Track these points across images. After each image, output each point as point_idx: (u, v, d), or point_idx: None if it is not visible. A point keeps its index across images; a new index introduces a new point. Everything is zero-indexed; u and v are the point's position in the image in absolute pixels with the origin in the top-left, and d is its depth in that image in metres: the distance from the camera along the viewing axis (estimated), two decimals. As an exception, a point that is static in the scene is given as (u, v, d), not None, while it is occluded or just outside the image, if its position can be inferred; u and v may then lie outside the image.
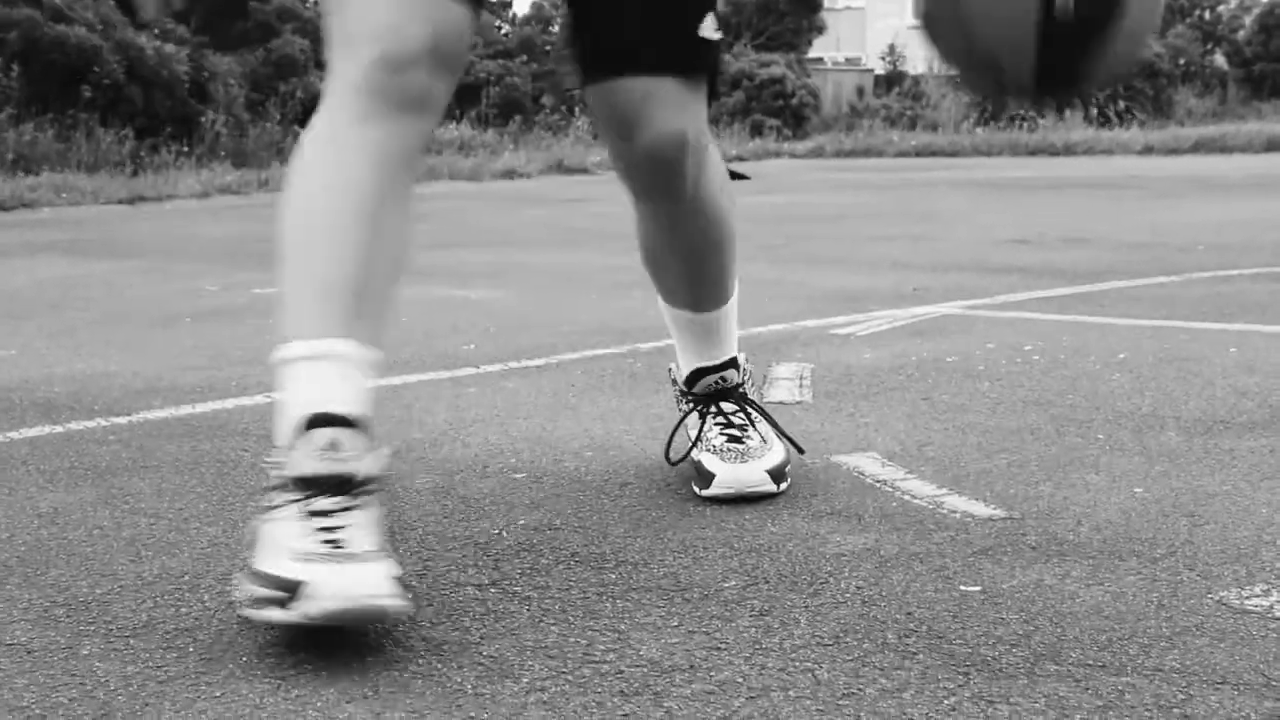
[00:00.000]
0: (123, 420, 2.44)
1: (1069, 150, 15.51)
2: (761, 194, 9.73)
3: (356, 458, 1.44)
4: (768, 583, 1.52)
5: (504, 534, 1.72)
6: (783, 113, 20.68)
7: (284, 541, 1.36)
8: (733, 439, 1.93)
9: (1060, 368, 2.77)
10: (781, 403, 2.48)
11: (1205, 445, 2.10)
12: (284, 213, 1.55)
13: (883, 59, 25.51)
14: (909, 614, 1.42)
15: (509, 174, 13.02)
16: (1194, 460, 2.01)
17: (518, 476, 2.01)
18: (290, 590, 1.31)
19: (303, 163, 1.55)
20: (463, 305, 3.93)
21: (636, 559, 1.61)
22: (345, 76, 1.52)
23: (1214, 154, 14.44)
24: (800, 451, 1.98)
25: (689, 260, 1.92)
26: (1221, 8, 27.55)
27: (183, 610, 1.47)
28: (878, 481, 1.94)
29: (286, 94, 16.79)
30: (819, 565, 1.58)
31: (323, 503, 1.40)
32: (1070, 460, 2.04)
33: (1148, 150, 15.09)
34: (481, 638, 1.38)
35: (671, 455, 2.00)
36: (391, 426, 2.35)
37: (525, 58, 22.14)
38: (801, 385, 2.65)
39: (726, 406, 1.98)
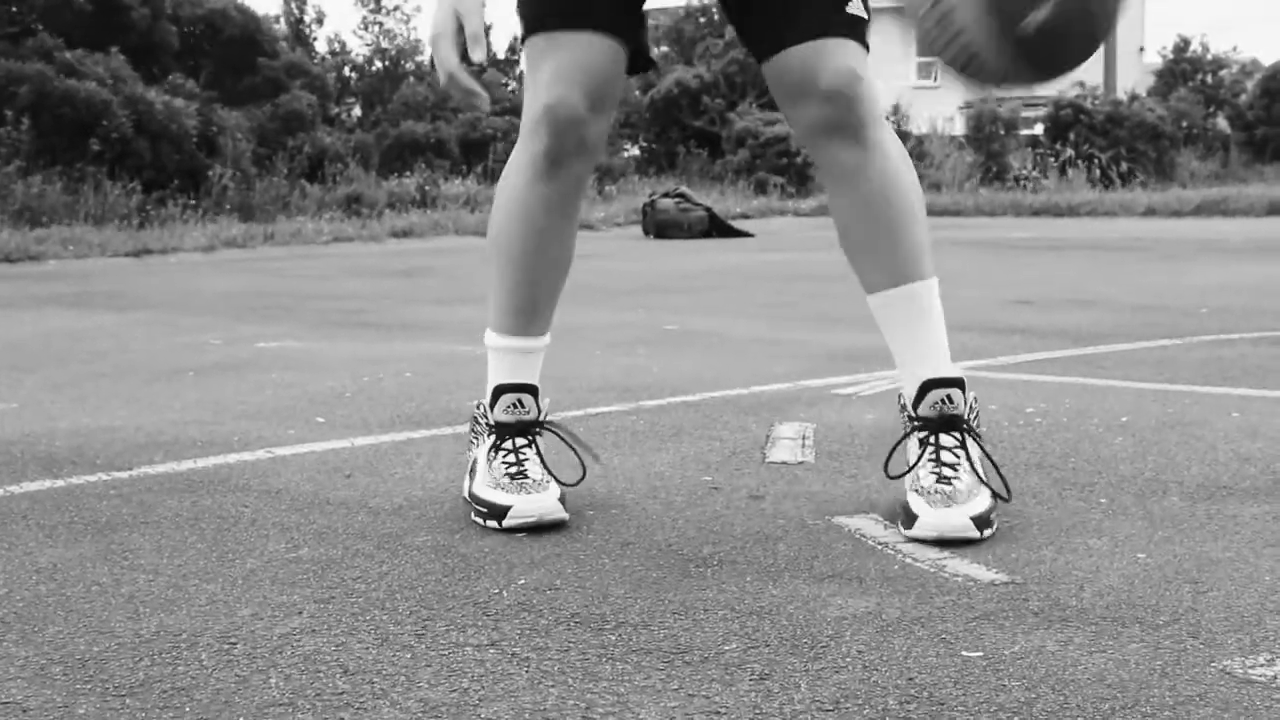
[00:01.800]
0: (124, 475, 2.44)
1: (1072, 211, 15.56)
2: (765, 252, 9.77)
3: (529, 412, 2.14)
4: (768, 646, 1.51)
5: (504, 593, 1.72)
6: (787, 170, 20.79)
7: (488, 473, 2.08)
8: (941, 479, 1.97)
9: (1062, 430, 2.77)
10: (784, 463, 2.48)
11: (1208, 511, 2.09)
12: (491, 242, 2.17)
13: (887, 119, 25.66)
14: (910, 680, 1.41)
15: (514, 230, 13.05)
16: (1197, 526, 2.01)
17: (518, 535, 2.00)
18: (500, 513, 2.03)
19: (503, 210, 2.13)
20: (467, 361, 3.93)
21: (637, 620, 1.61)
22: (527, 149, 2.06)
23: (1216, 217, 14.49)
24: (1007, 499, 2.02)
25: (889, 219, 2.04)
26: (1224, 72, 27.76)
27: (180, 669, 1.46)
28: (879, 543, 1.94)
29: (294, 149, 16.91)
30: (820, 629, 1.57)
31: (508, 444, 2.12)
32: (1073, 524, 2.03)
33: (1150, 212, 15.14)
34: (480, 699, 1.37)
35: (890, 470, 2.08)
36: (393, 483, 2.35)
37: (531, 115, 22.28)
38: (804, 445, 2.64)
39: (946, 440, 2.01)
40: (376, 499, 2.24)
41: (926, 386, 2.01)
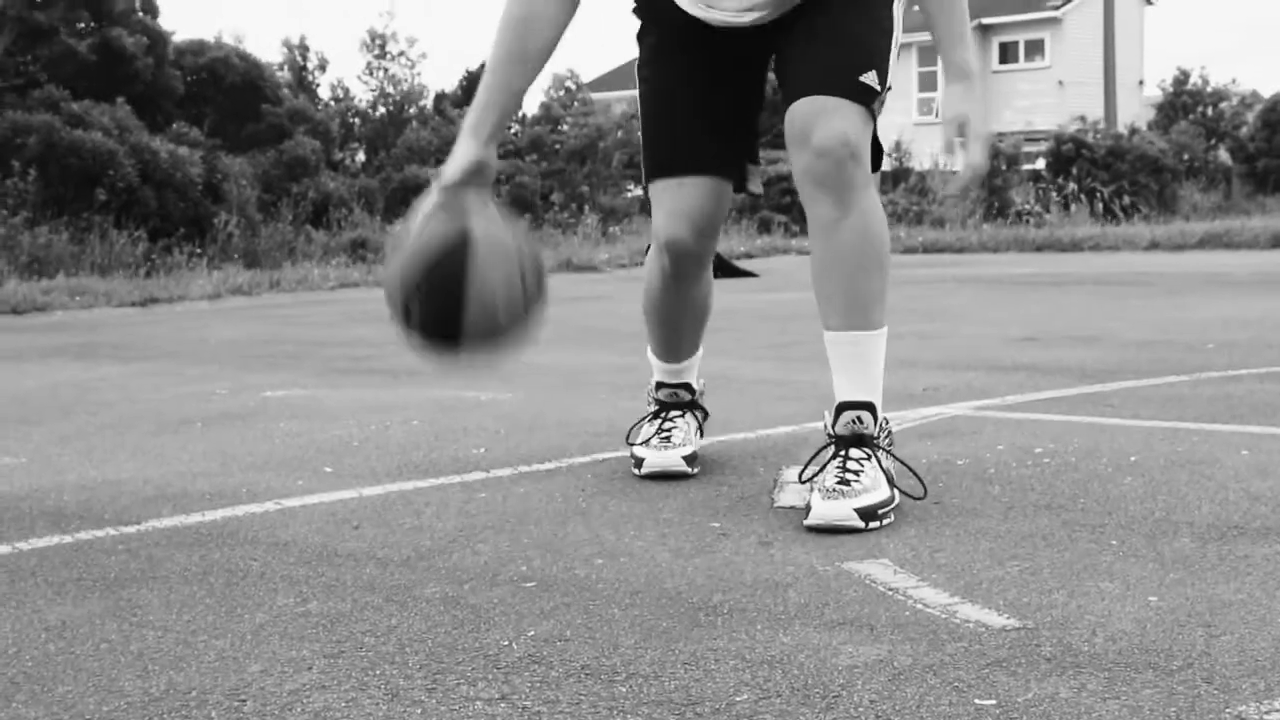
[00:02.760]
0: (131, 529, 2.44)
1: (1075, 246, 15.58)
2: (769, 291, 9.78)
3: (682, 398, 2.85)
4: (780, 696, 1.51)
5: (514, 645, 1.71)
6: (791, 209, 20.83)
7: (641, 435, 2.83)
8: (842, 481, 2.29)
9: (1071, 470, 2.76)
10: (792, 507, 2.47)
11: (1219, 552, 2.09)
12: (644, 311, 2.81)
13: (888, 155, 25.79)
14: (923, 729, 1.40)
15: (518, 273, 13.08)
16: (1208, 567, 2.00)
17: (528, 585, 1.99)
18: (639, 463, 2.76)
19: (647, 296, 2.77)
20: (472, 407, 3.94)
21: (647, 671, 1.60)
22: (657, 261, 2.68)
23: (1220, 250, 14.51)
24: (921, 497, 2.41)
25: (848, 271, 2.34)
26: (1224, 104, 27.84)
27: (190, 728, 1.45)
28: (889, 589, 1.93)
29: (298, 194, 16.99)
30: (831, 678, 1.56)
31: (669, 419, 2.82)
32: (1084, 567, 2.02)
33: (1154, 246, 15.16)
34: (491, 756, 1.36)
35: (802, 477, 2.44)
36: (401, 534, 2.35)
37: (535, 156, 22.39)
38: (812, 489, 2.63)
39: (855, 453, 2.34)
40: (385, 550, 2.24)
41: (841, 408, 2.38)
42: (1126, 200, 20.87)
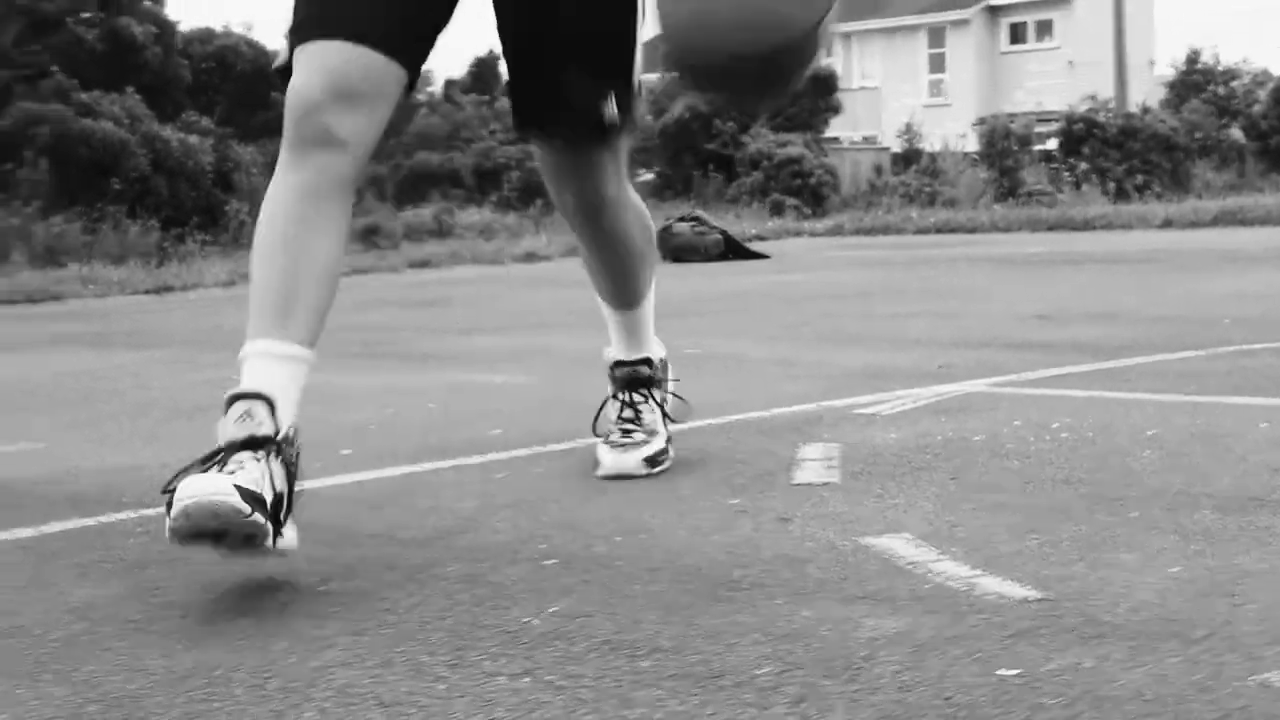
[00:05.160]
0: (151, 512, 2.44)
1: (1088, 225, 15.53)
2: (782, 273, 9.77)
3: (261, 424, 1.89)
4: (802, 669, 1.51)
5: (536, 621, 1.72)
6: (802, 192, 20.81)
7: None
8: (625, 433, 2.53)
9: (1089, 445, 2.76)
10: (810, 484, 2.47)
11: (1240, 523, 2.08)
12: (253, 254, 2.06)
13: (899, 137, 25.72)
14: (947, 699, 1.40)
15: (530, 257, 13.11)
16: (1229, 538, 2.00)
17: (548, 563, 2.00)
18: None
19: (261, 212, 2.03)
20: (488, 390, 3.94)
21: (669, 646, 1.60)
22: (283, 140, 2.00)
23: (1234, 227, 14.46)
24: (681, 420, 2.67)
25: (610, 272, 2.49)
26: (1235, 83, 27.71)
27: (215, 705, 1.46)
28: (910, 563, 1.93)
29: (309, 182, 16.98)
30: (853, 650, 1.57)
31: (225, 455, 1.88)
32: (1103, 540, 2.02)
33: (1167, 224, 15.10)
34: (516, 729, 1.37)
35: (597, 429, 2.59)
36: (420, 514, 2.35)
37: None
38: (829, 466, 2.64)
39: (635, 397, 2.56)
40: (405, 530, 2.24)
41: (619, 364, 2.59)
42: (1139, 179, 20.79)
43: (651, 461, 2.52)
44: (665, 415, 2.60)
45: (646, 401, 2.57)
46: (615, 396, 2.60)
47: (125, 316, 7.90)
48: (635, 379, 2.58)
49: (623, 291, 2.52)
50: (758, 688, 1.46)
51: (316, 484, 2.65)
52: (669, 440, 2.58)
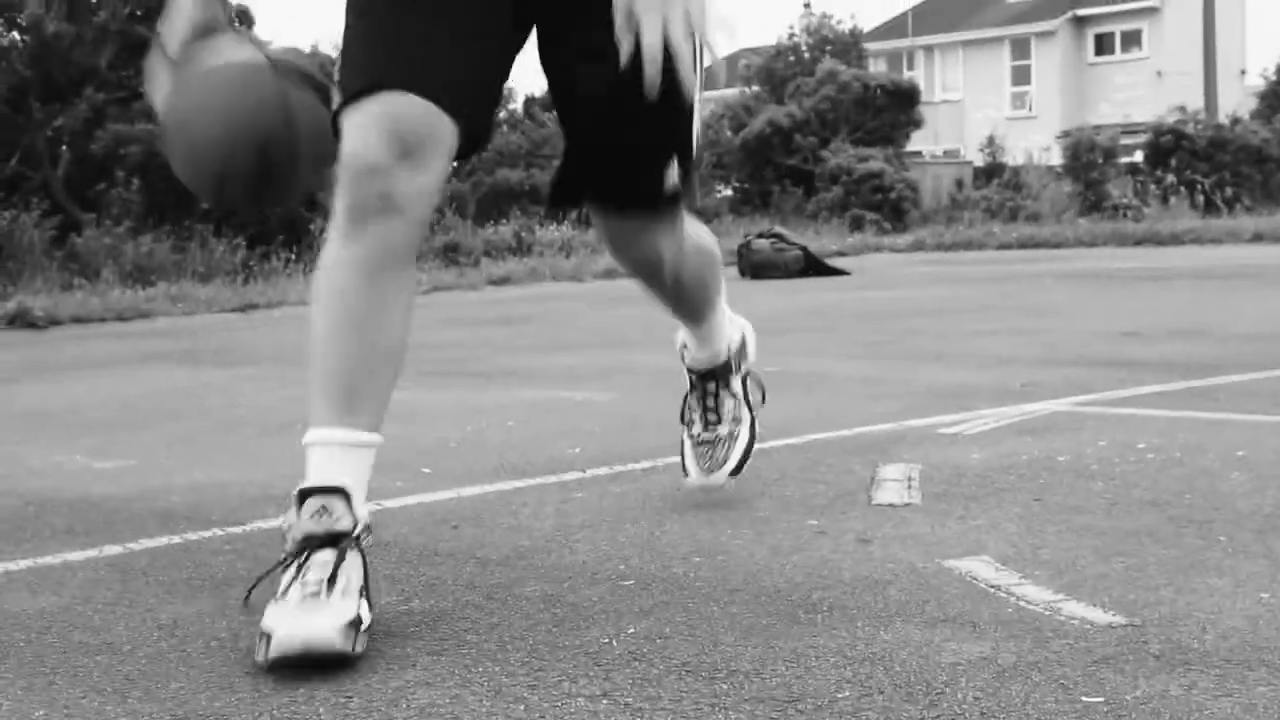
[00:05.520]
0: (238, 530, 2.49)
1: (1175, 240, 15.27)
2: (863, 289, 9.72)
3: (339, 520, 1.76)
4: (882, 693, 1.50)
5: (614, 643, 1.72)
6: (882, 207, 20.68)
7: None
8: (707, 423, 2.50)
9: (1176, 466, 2.71)
10: (891, 505, 2.45)
11: (1333, 547, 2.04)
12: (310, 336, 1.87)
13: (981, 150, 25.47)
14: (1030, 727, 1.38)
15: (610, 273, 13.11)
16: (1322, 563, 1.95)
17: (626, 584, 2.00)
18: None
19: (315, 284, 1.88)
20: (568, 407, 3.96)
21: (748, 668, 1.60)
22: (336, 206, 1.84)
23: (1327, 239, 14.14)
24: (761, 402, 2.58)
25: (675, 308, 2.43)
26: (1329, 91, 27.14)
27: (299, 723, 1.48)
28: (992, 586, 1.91)
29: (392, 200, 17.16)
30: (934, 675, 1.55)
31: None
32: (1191, 564, 1.98)
33: (1258, 238, 14.81)
34: (594, 752, 1.37)
35: (683, 417, 2.54)
36: (500, 533, 2.37)
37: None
38: (910, 487, 2.62)
39: (710, 387, 2.53)
40: (484, 549, 2.26)
41: (694, 365, 2.54)
42: (1229, 192, 20.42)
43: (737, 469, 2.49)
44: (747, 400, 2.55)
45: (718, 394, 2.53)
46: (692, 386, 2.58)
47: (213, 334, 8.04)
48: (708, 372, 2.54)
49: (688, 316, 2.49)
50: (837, 711, 1.45)
51: (397, 503, 2.68)
52: (754, 423, 2.53)
